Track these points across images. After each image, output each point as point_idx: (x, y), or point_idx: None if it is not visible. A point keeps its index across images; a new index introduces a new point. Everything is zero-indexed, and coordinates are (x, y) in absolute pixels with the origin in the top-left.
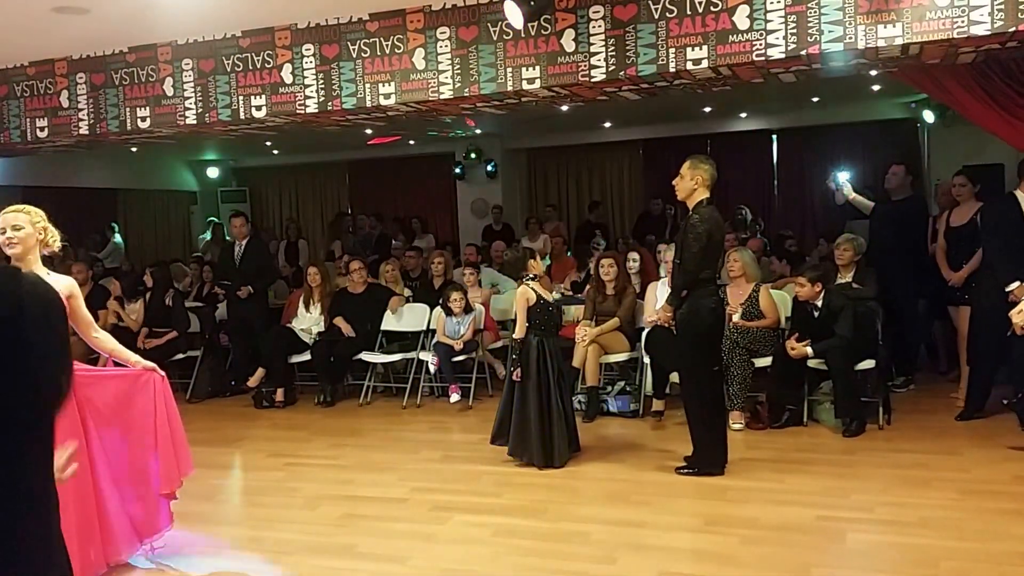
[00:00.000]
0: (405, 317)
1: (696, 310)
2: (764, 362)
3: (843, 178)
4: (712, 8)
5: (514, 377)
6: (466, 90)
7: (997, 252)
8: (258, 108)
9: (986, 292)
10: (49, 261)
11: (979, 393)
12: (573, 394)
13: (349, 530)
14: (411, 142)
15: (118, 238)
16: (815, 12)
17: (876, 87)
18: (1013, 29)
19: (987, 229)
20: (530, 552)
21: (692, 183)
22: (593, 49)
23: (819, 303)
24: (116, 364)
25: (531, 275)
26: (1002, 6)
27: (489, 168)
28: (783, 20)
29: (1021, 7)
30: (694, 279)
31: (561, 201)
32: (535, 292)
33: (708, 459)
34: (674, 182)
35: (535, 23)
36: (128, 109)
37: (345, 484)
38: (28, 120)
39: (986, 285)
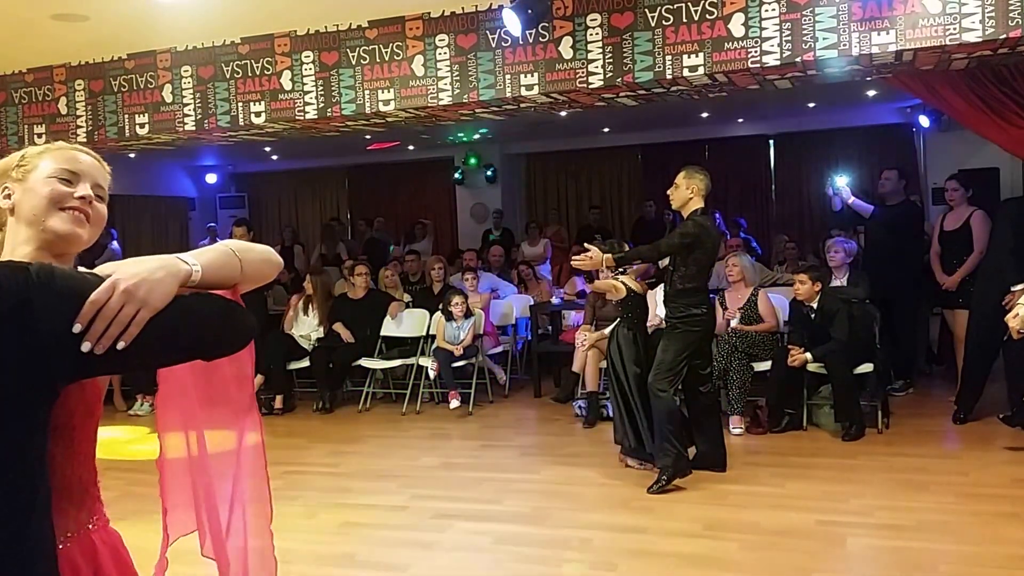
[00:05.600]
0: (405, 323)
1: (688, 317)
2: (763, 366)
3: (841, 182)
4: (708, 16)
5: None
6: (465, 96)
7: (1010, 253)
8: (257, 115)
9: (985, 296)
10: None
11: (971, 394)
12: (573, 399)
13: (348, 539)
14: (410, 147)
15: (115, 244)
16: (809, 20)
17: (872, 92)
18: (1004, 36)
19: (1001, 230)
20: (531, 559)
21: (688, 192)
22: (591, 56)
23: (815, 305)
24: None
25: (620, 269)
26: (993, 13)
27: (488, 173)
28: (778, 28)
29: (1011, 15)
30: (655, 259)
31: (560, 206)
32: (625, 285)
33: (667, 466)
34: (668, 192)
35: (533, 30)
36: (127, 116)
37: (344, 492)
38: (26, 127)
39: (985, 289)
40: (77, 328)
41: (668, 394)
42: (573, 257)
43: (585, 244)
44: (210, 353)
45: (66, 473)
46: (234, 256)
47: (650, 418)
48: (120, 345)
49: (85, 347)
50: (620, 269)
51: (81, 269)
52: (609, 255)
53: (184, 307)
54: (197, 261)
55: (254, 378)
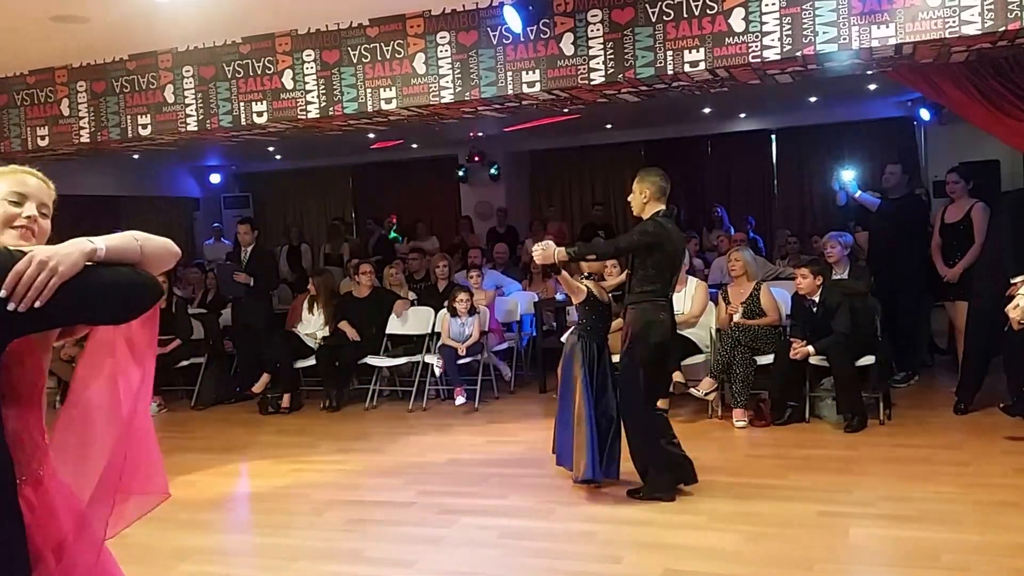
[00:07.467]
0: (410, 320)
1: (648, 323)
2: (766, 360)
3: (847, 177)
4: (708, 11)
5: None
6: (467, 94)
7: (1010, 245)
8: (259, 114)
9: (985, 287)
10: None
11: (971, 385)
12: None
13: (356, 535)
14: (414, 145)
15: None
16: (809, 14)
17: (872, 86)
18: (1003, 28)
19: (1001, 222)
20: (537, 553)
21: (642, 197)
22: (592, 52)
23: (816, 298)
24: None
25: (585, 274)
26: (992, 6)
27: (492, 171)
28: (778, 22)
29: (1010, 7)
30: (611, 255)
31: (564, 202)
32: (588, 289)
33: (656, 482)
34: (629, 198)
35: (534, 27)
36: (129, 117)
37: (351, 489)
38: (28, 129)
39: (984, 280)
40: (3, 293)
41: (642, 407)
42: (532, 248)
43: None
44: (121, 308)
45: (16, 428)
46: (135, 242)
47: (603, 439)
48: (37, 304)
49: (10, 307)
50: (586, 274)
51: (10, 246)
52: (562, 249)
53: (94, 274)
54: (103, 243)
55: (156, 346)
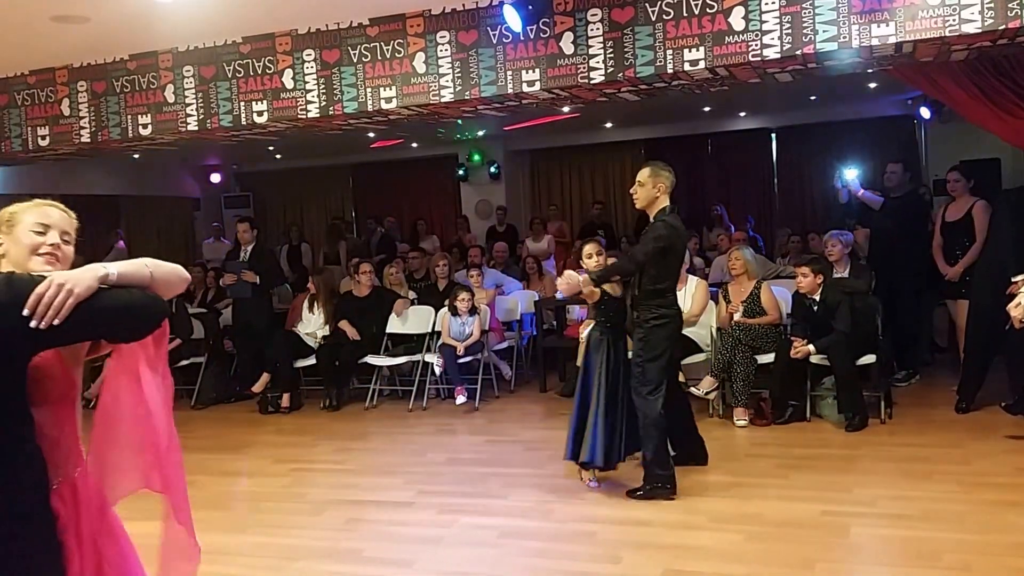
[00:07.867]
0: (410, 320)
1: (659, 320)
2: (767, 359)
3: (849, 175)
4: (708, 10)
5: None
6: (467, 93)
7: (1010, 243)
8: (259, 114)
9: (985, 286)
10: None
11: (973, 384)
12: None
13: (355, 534)
14: (414, 144)
15: (121, 244)
16: (809, 12)
17: (873, 84)
18: (1003, 27)
19: (1001, 219)
20: (536, 553)
21: (654, 191)
22: (592, 51)
23: (817, 297)
24: None
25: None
26: (992, 4)
27: (492, 170)
28: (778, 21)
29: (1010, 5)
30: (633, 271)
31: (564, 201)
32: (601, 288)
33: (656, 481)
34: (632, 191)
35: (534, 26)
36: (129, 116)
37: (351, 488)
38: (29, 129)
39: (985, 278)
40: (26, 312)
41: (655, 401)
42: (556, 281)
43: (567, 271)
44: (132, 326)
45: (53, 435)
46: (145, 268)
47: (611, 428)
48: (56, 321)
49: (33, 324)
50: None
51: (35, 272)
52: (586, 277)
53: (106, 295)
54: (115, 268)
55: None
